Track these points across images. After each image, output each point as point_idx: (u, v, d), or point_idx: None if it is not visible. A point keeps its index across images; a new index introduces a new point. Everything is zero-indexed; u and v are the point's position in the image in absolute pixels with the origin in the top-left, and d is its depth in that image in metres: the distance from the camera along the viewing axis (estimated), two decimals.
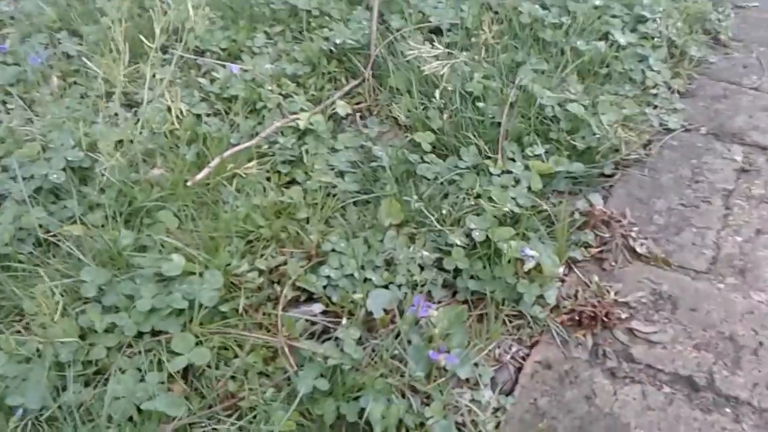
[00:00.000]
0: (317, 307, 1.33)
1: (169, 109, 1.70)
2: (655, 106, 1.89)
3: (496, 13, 2.18)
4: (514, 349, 1.31)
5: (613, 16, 2.15)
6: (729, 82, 2.08)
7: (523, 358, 1.29)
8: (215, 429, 1.11)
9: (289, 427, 1.10)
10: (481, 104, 1.76)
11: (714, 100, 1.99)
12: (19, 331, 1.25)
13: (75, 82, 1.96)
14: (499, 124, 1.70)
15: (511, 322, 1.34)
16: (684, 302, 1.38)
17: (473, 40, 2.06)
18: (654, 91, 1.94)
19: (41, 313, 1.22)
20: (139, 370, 1.18)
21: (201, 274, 1.29)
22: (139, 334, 1.24)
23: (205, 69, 2.01)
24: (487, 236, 1.39)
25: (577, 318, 1.32)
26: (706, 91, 2.02)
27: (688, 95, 2.00)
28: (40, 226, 1.42)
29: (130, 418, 1.11)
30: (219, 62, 2.00)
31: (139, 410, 1.12)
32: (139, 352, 1.20)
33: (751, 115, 1.92)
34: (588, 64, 1.94)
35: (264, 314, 1.31)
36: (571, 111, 1.71)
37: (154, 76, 1.86)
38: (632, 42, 2.06)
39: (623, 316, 1.33)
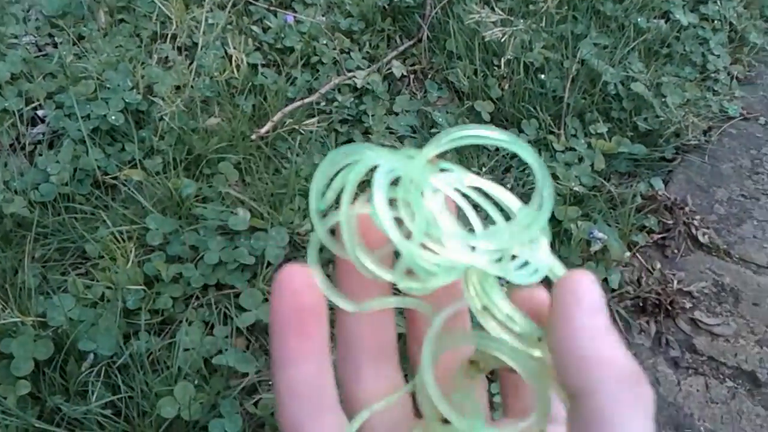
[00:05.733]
0: None
1: (226, 56, 1.66)
2: (716, 92, 1.87)
3: None
4: None
5: None
6: None
7: None
8: None
9: None
10: (542, 76, 1.73)
11: None
12: (82, 275, 1.23)
13: (123, 20, 1.90)
14: (561, 98, 1.67)
15: None
16: (746, 296, 1.38)
17: (531, 7, 2.01)
18: (715, 76, 1.91)
19: (106, 257, 1.20)
20: (206, 323, 1.17)
21: (267, 231, 1.27)
22: (205, 287, 1.22)
23: (257, 17, 1.95)
24: (553, 214, 1.37)
25: (640, 304, 1.32)
26: (764, 80, 1.99)
27: (747, 83, 1.97)
28: (99, 167, 1.39)
29: (198, 370, 1.10)
30: (272, 9, 1.95)
31: (207, 363, 1.11)
32: (206, 304, 1.19)
33: None
34: (650, 43, 1.90)
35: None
36: (635, 90, 1.69)
37: (207, 20, 1.81)
38: (693, 23, 2.02)
39: (687, 305, 1.33)
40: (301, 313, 0.27)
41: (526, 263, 0.28)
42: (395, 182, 0.28)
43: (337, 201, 0.28)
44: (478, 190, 0.30)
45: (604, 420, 0.25)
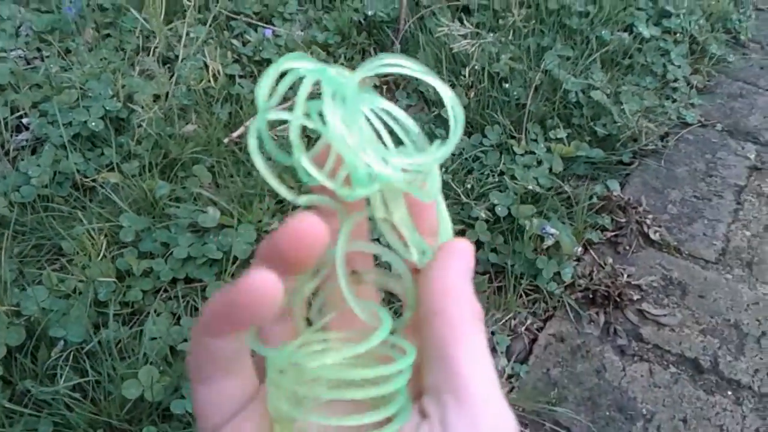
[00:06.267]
0: None
1: (205, 67, 1.74)
2: (674, 100, 1.95)
3: None
4: (529, 321, 1.37)
5: (639, 9, 2.19)
6: (746, 82, 2.13)
7: (538, 330, 1.35)
8: None
9: None
10: (507, 85, 1.81)
11: (731, 98, 2.04)
12: (57, 269, 1.30)
13: (109, 35, 1.99)
14: (524, 105, 1.75)
15: (528, 295, 1.40)
16: (693, 289, 1.44)
17: (501, 21, 2.09)
18: (674, 85, 1.99)
19: (81, 253, 1.27)
20: (174, 314, 1.24)
21: (235, 228, 1.34)
22: (174, 281, 1.29)
23: (237, 31, 2.04)
24: (510, 212, 1.44)
25: (591, 296, 1.38)
26: (723, 89, 2.07)
27: (706, 92, 2.05)
28: (78, 171, 1.47)
29: (165, 357, 1.16)
30: (252, 23, 2.04)
31: (173, 351, 1.17)
32: (175, 297, 1.25)
33: (765, 116, 1.98)
34: (612, 54, 1.99)
35: None
36: (594, 98, 1.76)
37: (188, 34, 1.90)
38: (655, 35, 2.10)
39: (635, 297, 1.39)
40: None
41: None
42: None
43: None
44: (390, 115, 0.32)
45: (454, 332, 0.30)
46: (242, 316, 0.28)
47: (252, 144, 0.30)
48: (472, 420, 0.28)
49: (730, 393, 1.27)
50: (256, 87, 0.29)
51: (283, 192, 0.30)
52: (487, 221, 1.44)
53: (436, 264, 0.32)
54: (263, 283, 0.27)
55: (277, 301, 0.27)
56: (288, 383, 0.30)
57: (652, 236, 1.53)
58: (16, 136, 1.60)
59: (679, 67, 2.02)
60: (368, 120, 0.31)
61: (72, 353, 1.13)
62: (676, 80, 1.99)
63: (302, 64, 0.30)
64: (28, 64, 1.86)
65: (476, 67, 1.82)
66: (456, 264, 0.32)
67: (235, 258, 1.30)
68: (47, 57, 1.84)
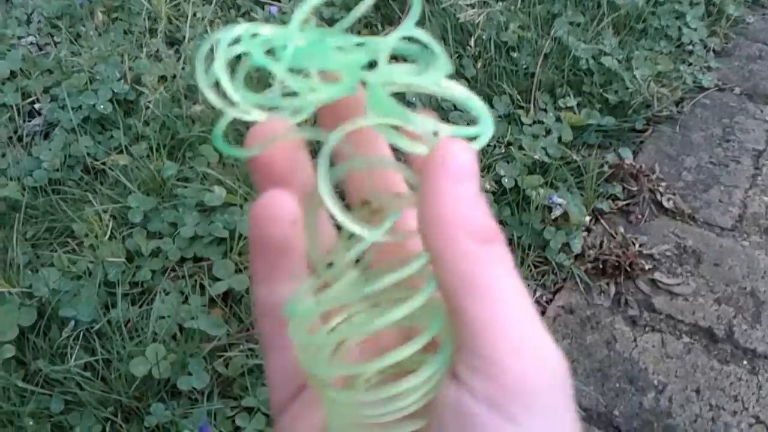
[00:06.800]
0: None
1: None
2: (690, 64, 1.90)
3: None
4: (538, 294, 1.36)
5: None
6: (765, 43, 2.06)
7: (547, 303, 1.34)
8: (251, 349, 1.18)
9: None
10: (515, 54, 1.78)
11: (749, 60, 1.98)
12: (69, 251, 1.32)
13: (118, 18, 2.00)
14: (533, 74, 1.72)
15: (536, 267, 1.39)
16: (708, 257, 1.41)
17: None
18: (690, 48, 1.94)
19: (91, 234, 1.29)
20: (182, 293, 1.25)
21: (241, 206, 1.35)
22: (182, 260, 1.30)
23: (244, 9, 2.03)
24: (516, 183, 1.43)
25: (601, 267, 1.36)
26: (741, 51, 2.01)
27: (724, 54, 2.00)
28: (88, 154, 1.48)
29: (173, 336, 1.18)
30: (258, 0, 2.03)
31: (181, 330, 1.19)
32: (183, 276, 1.27)
33: None
34: (624, 18, 1.94)
35: None
36: (605, 64, 1.73)
37: (194, 14, 1.90)
38: None
39: (647, 267, 1.37)
40: (271, 242, 0.27)
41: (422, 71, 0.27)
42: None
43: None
44: None
45: (464, 281, 0.24)
46: (271, 245, 0.27)
47: (217, 134, 0.28)
48: (495, 381, 0.23)
49: (745, 362, 1.25)
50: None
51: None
52: (493, 193, 1.43)
53: (423, 189, 0.25)
54: (273, 201, 0.26)
55: (293, 215, 0.26)
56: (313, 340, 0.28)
57: (665, 204, 1.50)
58: (29, 121, 1.63)
59: (695, 29, 1.97)
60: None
61: (82, 333, 1.15)
62: (691, 43, 1.94)
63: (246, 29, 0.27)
64: (41, 50, 1.88)
65: (483, 37, 1.79)
66: (446, 186, 0.25)
67: (241, 236, 1.30)
68: (58, 42, 1.86)
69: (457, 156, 0.25)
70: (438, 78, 0.27)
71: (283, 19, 1.93)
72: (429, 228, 0.25)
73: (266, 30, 0.27)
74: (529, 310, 0.25)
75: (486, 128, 0.27)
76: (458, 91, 0.27)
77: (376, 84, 0.26)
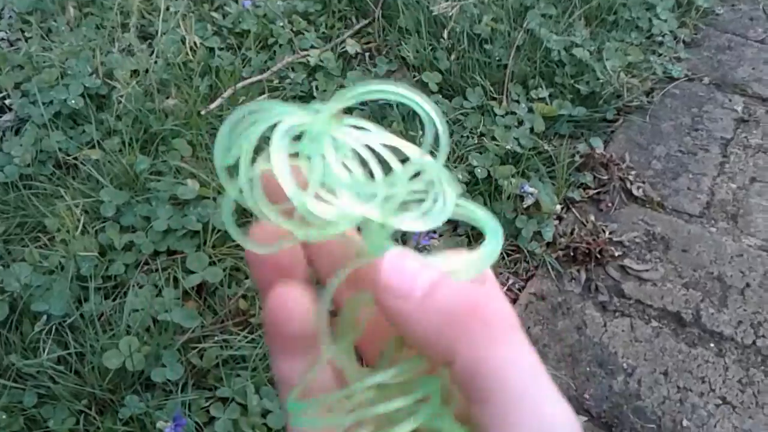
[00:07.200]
0: None
1: (183, 41, 1.74)
2: (660, 55, 1.92)
3: None
4: (510, 282, 1.37)
5: None
6: (734, 33, 2.10)
7: (519, 290, 1.36)
8: (226, 340, 1.18)
9: None
10: (488, 46, 1.79)
11: (718, 50, 2.02)
12: (40, 246, 1.32)
13: (90, 13, 1.98)
14: (506, 66, 1.74)
15: (508, 255, 1.40)
16: (676, 243, 1.44)
17: None
18: (660, 39, 1.97)
19: (63, 229, 1.29)
20: (156, 287, 1.25)
21: (215, 199, 1.35)
22: (155, 253, 1.30)
23: (217, 3, 2.03)
24: (489, 173, 1.44)
25: (571, 254, 1.38)
26: (711, 42, 2.05)
27: (694, 45, 2.03)
28: (60, 149, 1.48)
29: (147, 329, 1.18)
30: None
31: (155, 322, 1.19)
32: (156, 270, 1.27)
33: (754, 67, 1.95)
34: (596, 10, 1.96)
35: None
36: (576, 56, 1.75)
37: (167, 9, 1.89)
38: None
39: (617, 253, 1.40)
40: (287, 335, 0.30)
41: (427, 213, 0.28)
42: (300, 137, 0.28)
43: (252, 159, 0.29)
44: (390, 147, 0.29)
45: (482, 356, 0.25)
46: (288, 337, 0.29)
47: (226, 213, 0.29)
48: (503, 421, 0.25)
49: (712, 345, 1.27)
50: (215, 144, 0.28)
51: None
52: (466, 183, 1.44)
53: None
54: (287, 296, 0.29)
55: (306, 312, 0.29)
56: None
57: (635, 192, 1.52)
58: (0, 117, 1.61)
59: (666, 20, 2.00)
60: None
61: (55, 327, 1.15)
62: (662, 34, 1.97)
63: (260, 111, 0.28)
64: (11, 45, 1.86)
65: (456, 29, 1.80)
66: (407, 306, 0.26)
67: (214, 228, 1.31)
68: (29, 38, 1.84)
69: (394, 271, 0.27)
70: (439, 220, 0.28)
71: (257, 12, 1.93)
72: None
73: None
74: (536, 368, 0.26)
75: (496, 244, 0.29)
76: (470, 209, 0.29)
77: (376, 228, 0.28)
